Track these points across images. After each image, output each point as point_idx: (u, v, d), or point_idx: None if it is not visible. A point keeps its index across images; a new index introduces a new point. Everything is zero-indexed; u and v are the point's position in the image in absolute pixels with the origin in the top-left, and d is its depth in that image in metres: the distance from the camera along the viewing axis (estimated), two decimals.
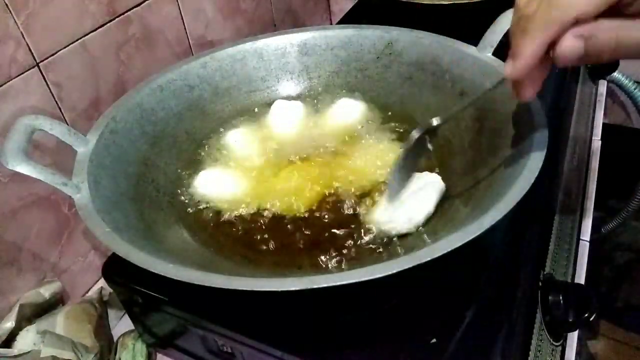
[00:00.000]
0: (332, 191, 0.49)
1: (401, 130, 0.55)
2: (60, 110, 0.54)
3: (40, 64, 0.51)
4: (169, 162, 0.53)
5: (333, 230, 0.45)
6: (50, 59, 0.52)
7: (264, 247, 0.45)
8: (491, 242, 0.45)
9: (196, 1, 0.69)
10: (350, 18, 0.85)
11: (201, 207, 0.49)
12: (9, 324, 0.50)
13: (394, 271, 0.31)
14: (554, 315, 0.46)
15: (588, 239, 0.65)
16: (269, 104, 0.60)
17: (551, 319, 0.46)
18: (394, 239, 0.43)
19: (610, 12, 0.28)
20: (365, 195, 0.48)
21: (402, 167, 0.44)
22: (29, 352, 0.48)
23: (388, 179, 0.47)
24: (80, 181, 0.42)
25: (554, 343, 0.48)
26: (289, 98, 0.61)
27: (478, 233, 0.33)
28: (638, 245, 1.05)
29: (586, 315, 0.46)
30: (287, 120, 0.58)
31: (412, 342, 0.39)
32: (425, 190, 0.45)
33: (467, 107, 0.44)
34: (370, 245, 0.43)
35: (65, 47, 0.53)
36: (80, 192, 0.41)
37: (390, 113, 0.57)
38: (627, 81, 0.87)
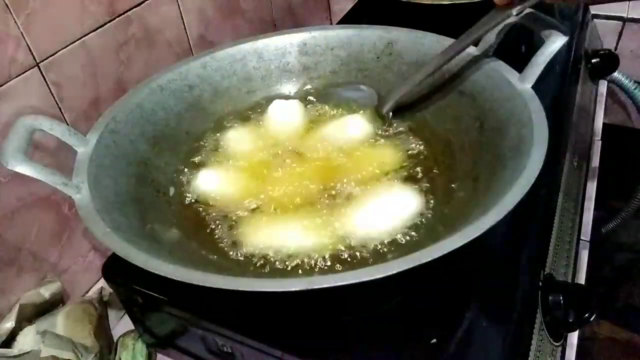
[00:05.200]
0: (332, 191, 0.49)
1: (401, 130, 0.55)
2: (60, 110, 0.54)
3: (40, 64, 0.51)
4: (169, 162, 0.53)
5: (332, 230, 0.45)
6: (50, 59, 0.52)
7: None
8: (491, 243, 0.45)
9: (196, 1, 0.69)
10: (350, 18, 0.85)
11: (201, 206, 0.49)
12: (9, 324, 0.50)
13: (394, 271, 0.31)
14: (554, 315, 0.46)
15: (588, 239, 0.65)
16: (269, 104, 0.60)
17: (551, 319, 0.46)
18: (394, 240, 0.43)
19: None
20: (365, 195, 0.48)
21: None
22: (29, 352, 0.48)
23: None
24: (81, 181, 0.42)
25: (554, 343, 0.48)
26: (289, 98, 0.61)
27: (478, 233, 0.33)
28: (638, 245, 1.05)
29: (586, 315, 0.46)
30: (286, 120, 0.58)
31: (412, 342, 0.39)
32: (395, 207, 0.45)
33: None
34: (369, 246, 0.43)
35: (65, 47, 0.53)
36: (80, 192, 0.41)
37: (389, 113, 0.57)
38: (627, 81, 0.87)
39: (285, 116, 0.58)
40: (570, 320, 0.46)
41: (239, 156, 0.54)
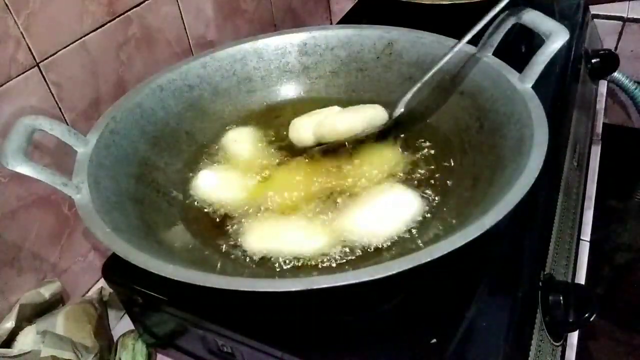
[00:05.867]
0: (333, 192, 0.49)
1: (401, 131, 0.55)
2: (60, 110, 0.54)
3: (40, 64, 0.51)
4: (169, 162, 0.53)
5: (333, 230, 0.45)
6: (50, 59, 0.52)
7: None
8: (491, 242, 0.45)
9: (196, 1, 0.69)
10: (350, 18, 0.85)
11: (201, 207, 0.49)
12: (9, 324, 0.50)
13: (395, 272, 0.31)
14: (554, 315, 0.46)
15: (588, 239, 0.65)
16: (269, 104, 0.60)
17: (551, 319, 0.46)
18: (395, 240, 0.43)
19: None
20: (366, 196, 0.48)
21: None
22: (29, 352, 0.48)
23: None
24: (81, 181, 0.42)
25: (554, 343, 0.48)
26: (288, 98, 0.61)
27: (478, 233, 0.33)
28: (638, 245, 1.05)
29: (586, 315, 0.46)
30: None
31: (412, 342, 0.39)
32: (395, 208, 0.45)
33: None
34: (370, 247, 0.43)
35: (65, 47, 0.53)
36: (80, 192, 0.41)
37: (390, 113, 0.57)
38: (627, 81, 0.87)
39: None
40: (570, 320, 0.46)
41: (239, 156, 0.54)
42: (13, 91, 0.49)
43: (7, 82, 0.48)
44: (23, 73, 0.50)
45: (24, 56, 0.49)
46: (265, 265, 0.43)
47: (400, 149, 0.53)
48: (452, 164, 0.49)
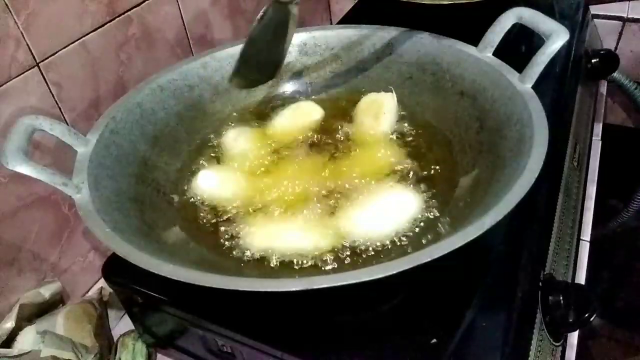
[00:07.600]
0: (333, 192, 0.49)
1: (401, 131, 0.55)
2: (60, 110, 0.54)
3: (40, 64, 0.51)
4: (169, 162, 0.53)
5: (333, 231, 0.45)
6: (50, 59, 0.52)
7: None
8: (491, 242, 0.45)
9: (196, 1, 0.69)
10: (350, 18, 0.85)
11: (201, 206, 0.49)
12: (9, 324, 0.50)
13: (394, 271, 0.31)
14: (554, 315, 0.46)
15: (588, 239, 0.65)
16: (269, 104, 0.60)
17: (551, 319, 0.46)
18: (394, 240, 0.43)
19: None
20: (365, 196, 0.48)
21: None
22: (29, 352, 0.48)
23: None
24: (81, 181, 0.42)
25: (554, 343, 0.48)
26: (288, 98, 0.61)
27: (479, 233, 0.33)
28: (638, 245, 1.05)
29: (586, 315, 0.46)
30: (286, 120, 0.58)
31: (412, 342, 0.39)
32: (396, 208, 0.45)
33: None
34: (370, 247, 0.43)
35: (65, 47, 0.53)
36: (80, 192, 0.41)
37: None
38: (627, 81, 0.87)
39: (287, 116, 0.58)
40: (570, 320, 0.46)
41: (239, 156, 0.54)
42: (13, 91, 0.49)
43: (7, 82, 0.48)
44: (23, 73, 0.50)
45: (24, 56, 0.49)
46: (264, 264, 0.43)
47: (400, 149, 0.53)
48: (452, 164, 0.49)
